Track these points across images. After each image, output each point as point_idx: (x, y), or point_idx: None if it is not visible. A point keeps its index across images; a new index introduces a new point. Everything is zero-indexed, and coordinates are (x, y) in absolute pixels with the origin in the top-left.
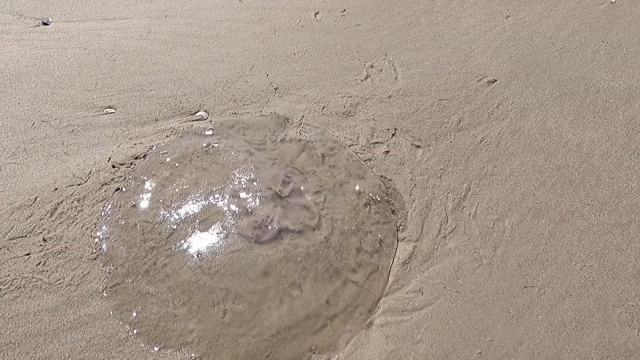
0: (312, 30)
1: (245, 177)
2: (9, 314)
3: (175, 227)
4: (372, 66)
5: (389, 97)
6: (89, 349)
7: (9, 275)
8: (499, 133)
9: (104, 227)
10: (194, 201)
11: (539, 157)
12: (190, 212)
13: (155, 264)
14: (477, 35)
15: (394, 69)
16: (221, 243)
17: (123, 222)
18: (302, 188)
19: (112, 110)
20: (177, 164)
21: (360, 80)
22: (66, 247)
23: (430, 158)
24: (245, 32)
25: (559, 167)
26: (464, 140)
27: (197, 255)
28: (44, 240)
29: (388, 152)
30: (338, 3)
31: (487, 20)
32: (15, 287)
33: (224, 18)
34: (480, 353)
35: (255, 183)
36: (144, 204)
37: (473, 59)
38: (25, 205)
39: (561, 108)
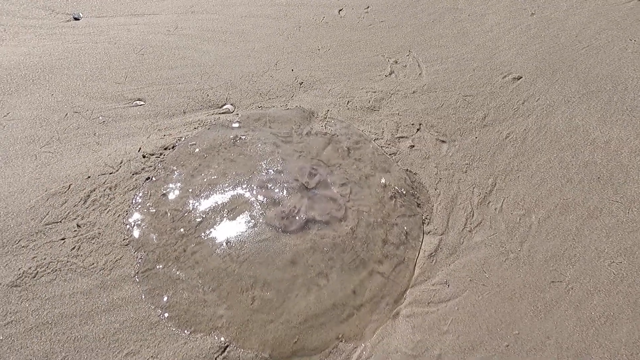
0: (335, 27)
1: (272, 169)
2: (45, 295)
3: (204, 215)
4: (396, 62)
5: (414, 92)
6: (122, 331)
7: (45, 258)
8: (525, 129)
9: (135, 215)
10: (223, 191)
11: (565, 153)
12: (219, 202)
13: (185, 251)
14: (502, 32)
15: (418, 65)
16: (249, 232)
17: (154, 210)
18: (328, 180)
19: (142, 103)
20: (205, 155)
21: (384, 76)
22: (99, 233)
23: (456, 153)
24: (269, 27)
25: (586, 163)
26: (490, 136)
27: (226, 243)
28: (78, 226)
29: (413, 146)
30: (361, 0)
31: (511, 17)
32: (52, 270)
33: (249, 14)
34: (507, 346)
35: (282, 174)
36: (173, 193)
37: (497, 56)
38: (59, 192)
39: (588, 105)
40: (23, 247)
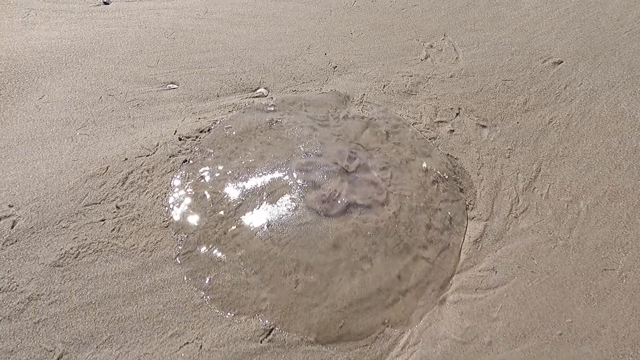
0: (368, 11)
1: (311, 152)
2: (88, 276)
3: (243, 198)
4: (432, 46)
5: (451, 76)
6: (166, 312)
7: (86, 239)
8: (568, 114)
9: (174, 197)
10: (261, 174)
11: (612, 139)
12: (258, 185)
13: (225, 233)
14: (540, 16)
15: (454, 49)
16: (290, 215)
17: (192, 192)
18: (368, 164)
19: (175, 86)
20: (241, 138)
21: (420, 60)
22: (138, 215)
23: (497, 138)
24: (300, 12)
25: (634, 149)
26: (532, 121)
27: (267, 226)
28: (117, 207)
29: (453, 131)
30: None
31: (549, 0)
32: (93, 251)
33: None
34: (560, 334)
35: (321, 158)
36: (211, 175)
37: (536, 40)
38: (97, 174)
39: (633, 90)
40: (64, 227)
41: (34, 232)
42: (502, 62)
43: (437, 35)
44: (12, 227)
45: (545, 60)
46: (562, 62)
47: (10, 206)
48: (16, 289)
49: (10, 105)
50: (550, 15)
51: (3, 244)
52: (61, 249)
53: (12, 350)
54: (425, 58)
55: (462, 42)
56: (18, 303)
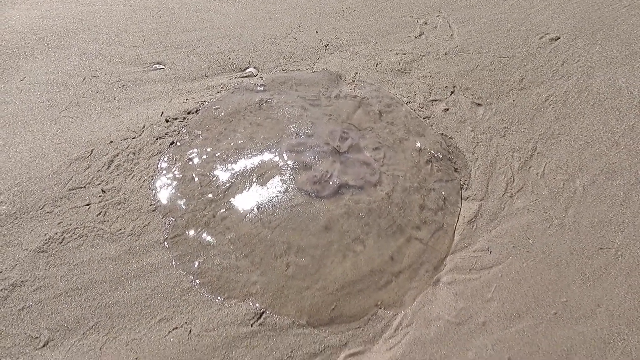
0: None
1: (302, 132)
2: (73, 261)
3: (232, 180)
4: (426, 23)
5: (446, 54)
6: (154, 297)
7: (70, 224)
8: (565, 92)
9: (161, 180)
10: (250, 155)
11: (609, 116)
12: (247, 166)
13: (214, 216)
14: None
15: (449, 26)
16: (280, 197)
17: (180, 175)
18: (360, 144)
19: (161, 66)
20: (230, 119)
21: (414, 37)
22: (125, 199)
23: (493, 116)
24: None
25: (632, 127)
26: (528, 98)
27: (257, 209)
28: (103, 191)
29: (447, 109)
30: None
31: None
32: (78, 236)
33: None
34: (555, 313)
35: (312, 138)
36: (200, 157)
37: (533, 16)
38: (82, 157)
39: (632, 67)
40: (47, 212)
41: (17, 218)
42: (498, 39)
43: (431, 11)
44: None
45: (542, 37)
46: (559, 38)
47: None
48: None
49: None
50: None
51: None
52: (45, 234)
53: None
54: (420, 35)
55: (457, 18)
56: (1, 290)
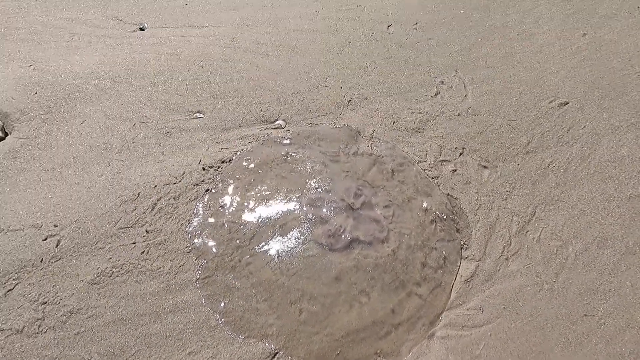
0: (384, 43)
1: (321, 188)
2: (120, 294)
3: (257, 229)
4: (443, 82)
5: (458, 115)
6: (186, 332)
7: (119, 260)
8: (568, 158)
9: (196, 224)
10: (275, 206)
11: (608, 185)
12: (271, 217)
13: (240, 261)
14: (551, 53)
15: (464, 87)
16: (298, 247)
17: (212, 221)
18: (372, 201)
19: (201, 115)
20: (259, 170)
21: (430, 97)
22: (165, 240)
23: (497, 179)
24: (320, 43)
25: (629, 197)
26: (532, 163)
27: (277, 257)
28: (147, 231)
29: (455, 170)
30: (411, 16)
31: (562, 37)
32: (125, 272)
33: (300, 28)
34: None
35: (329, 194)
36: (230, 205)
37: (545, 79)
38: (130, 200)
39: (636, 135)
40: (100, 248)
41: (75, 251)
42: (509, 102)
43: (448, 70)
44: (57, 245)
45: (551, 101)
46: (568, 103)
47: (55, 226)
48: (60, 302)
49: (55, 129)
50: (561, 53)
51: (49, 261)
52: (98, 268)
53: (56, 357)
54: (436, 95)
55: (473, 79)
56: (61, 315)
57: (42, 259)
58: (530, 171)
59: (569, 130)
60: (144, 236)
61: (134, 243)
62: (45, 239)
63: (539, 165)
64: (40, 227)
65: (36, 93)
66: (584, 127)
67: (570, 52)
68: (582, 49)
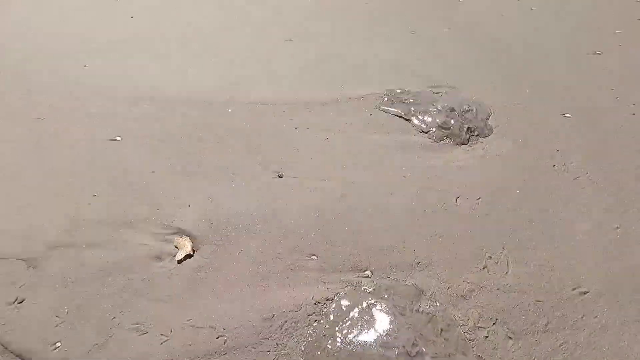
0: (452, 214)
1: (391, 335)
2: None
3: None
4: (490, 257)
5: (498, 289)
6: None
7: None
8: (576, 343)
9: (307, 345)
10: (359, 348)
11: None
12: (356, 357)
13: None
14: (586, 243)
15: (507, 264)
16: None
17: (318, 353)
18: (424, 351)
19: (315, 258)
20: (349, 312)
21: (479, 269)
22: (288, 353)
23: (517, 349)
24: (403, 207)
25: None
26: (547, 341)
27: None
28: (277, 344)
29: (487, 337)
30: (476, 190)
31: (600, 225)
32: None
33: (390, 191)
34: None
35: (396, 342)
36: (333, 340)
37: (574, 267)
38: (268, 318)
39: (638, 331)
40: (249, 351)
41: (237, 350)
42: (540, 285)
43: (497, 247)
44: (224, 343)
45: (574, 288)
46: (587, 292)
47: (223, 329)
48: None
49: (223, 254)
50: (596, 245)
51: (219, 354)
52: None
53: None
54: (484, 268)
55: (515, 257)
56: None
57: (215, 351)
58: (545, 348)
59: (582, 318)
60: (275, 347)
61: (268, 351)
62: (218, 337)
63: (552, 343)
64: (215, 328)
65: (212, 223)
66: (596, 316)
67: (604, 244)
68: (612, 242)
